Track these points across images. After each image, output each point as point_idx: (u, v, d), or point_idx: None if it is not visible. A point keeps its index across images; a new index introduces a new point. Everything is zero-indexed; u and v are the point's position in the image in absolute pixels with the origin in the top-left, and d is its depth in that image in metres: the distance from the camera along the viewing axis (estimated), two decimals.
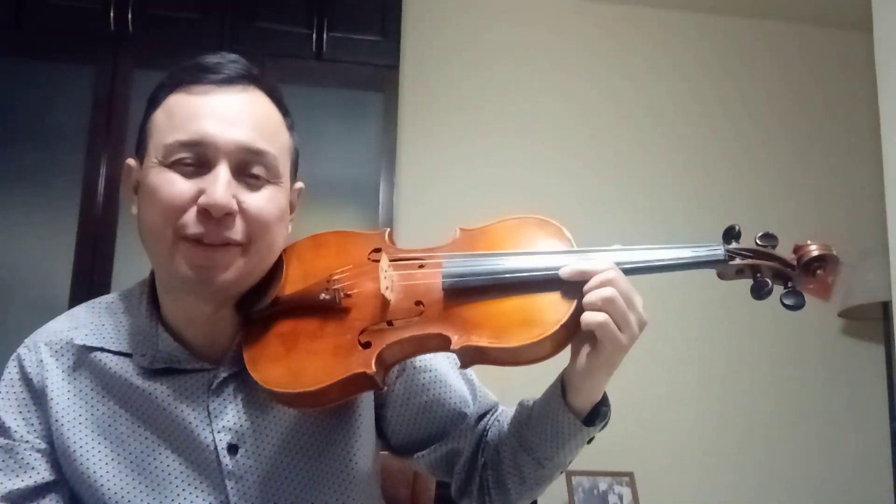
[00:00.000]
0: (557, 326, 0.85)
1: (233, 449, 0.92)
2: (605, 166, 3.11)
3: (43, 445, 0.93)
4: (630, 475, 2.81)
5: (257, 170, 0.91)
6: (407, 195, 2.85)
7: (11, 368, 0.96)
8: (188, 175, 0.88)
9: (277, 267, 0.96)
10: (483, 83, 3.09)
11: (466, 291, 0.89)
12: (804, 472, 2.99)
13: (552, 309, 0.86)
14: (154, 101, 0.94)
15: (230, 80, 0.92)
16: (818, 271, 0.88)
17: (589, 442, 0.96)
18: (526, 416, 0.98)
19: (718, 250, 0.90)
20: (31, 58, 2.53)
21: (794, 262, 0.89)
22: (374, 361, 0.86)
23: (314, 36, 2.66)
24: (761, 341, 3.02)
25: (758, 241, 0.91)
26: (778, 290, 0.89)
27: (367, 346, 0.88)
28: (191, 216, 0.87)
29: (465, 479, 1.04)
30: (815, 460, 3.00)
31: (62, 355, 0.95)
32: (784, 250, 0.91)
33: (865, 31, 2.26)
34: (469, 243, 0.96)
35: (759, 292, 0.88)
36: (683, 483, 2.90)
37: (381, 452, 1.08)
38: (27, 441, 0.92)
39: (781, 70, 3.31)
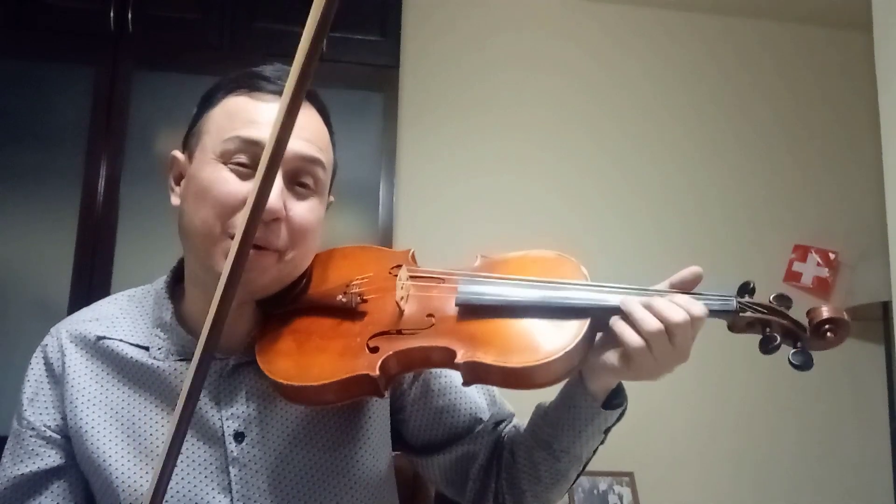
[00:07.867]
0: (562, 353, 0.86)
1: (239, 436, 0.94)
2: (605, 164, 3.11)
3: (49, 433, 0.96)
4: (630, 475, 2.81)
5: (307, 179, 0.95)
6: (407, 195, 2.85)
7: (38, 356, 1.00)
8: (243, 177, 0.91)
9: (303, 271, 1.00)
10: (483, 83, 3.09)
11: (479, 310, 0.92)
12: (804, 472, 2.99)
13: (561, 335, 0.88)
14: (210, 100, 0.97)
15: None
16: (828, 334, 0.88)
17: (602, 441, 0.99)
18: (542, 411, 1.01)
19: (730, 301, 0.90)
20: (31, 58, 2.53)
21: (806, 324, 0.89)
22: (378, 365, 0.88)
23: None
24: None
25: (771, 300, 0.91)
26: (786, 348, 0.90)
27: (374, 350, 0.90)
28: (240, 217, 0.87)
29: (481, 487, 1.06)
30: (814, 460, 3.00)
31: (81, 341, 0.99)
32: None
33: (865, 31, 2.26)
34: (489, 269, 0.99)
35: (768, 346, 0.88)
36: (683, 483, 2.90)
37: (394, 453, 1.09)
38: (34, 429, 0.97)
39: (781, 70, 3.31)
